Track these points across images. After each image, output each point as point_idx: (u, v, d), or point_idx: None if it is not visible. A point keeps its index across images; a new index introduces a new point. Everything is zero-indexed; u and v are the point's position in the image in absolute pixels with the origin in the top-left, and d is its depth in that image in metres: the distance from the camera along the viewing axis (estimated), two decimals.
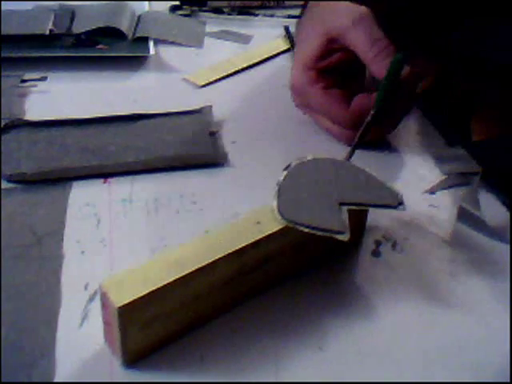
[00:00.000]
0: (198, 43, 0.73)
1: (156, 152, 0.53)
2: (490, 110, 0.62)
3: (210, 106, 0.59)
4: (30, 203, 0.48)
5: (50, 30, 0.68)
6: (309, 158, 0.44)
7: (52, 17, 0.70)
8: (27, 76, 0.63)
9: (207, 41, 0.74)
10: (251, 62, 0.69)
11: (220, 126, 0.58)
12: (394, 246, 0.46)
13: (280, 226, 0.39)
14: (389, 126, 0.56)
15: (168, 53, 0.70)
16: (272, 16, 0.80)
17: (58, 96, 0.61)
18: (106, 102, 0.60)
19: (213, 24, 0.78)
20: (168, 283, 0.35)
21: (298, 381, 0.37)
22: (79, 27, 0.70)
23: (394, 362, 0.38)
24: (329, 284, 0.43)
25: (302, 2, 0.83)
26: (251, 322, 0.40)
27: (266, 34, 0.76)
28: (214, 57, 0.70)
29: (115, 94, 0.62)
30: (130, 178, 0.51)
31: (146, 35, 0.70)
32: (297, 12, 0.80)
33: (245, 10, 0.81)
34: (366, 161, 0.45)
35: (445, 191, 0.52)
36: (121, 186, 0.50)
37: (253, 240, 0.38)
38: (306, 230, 0.39)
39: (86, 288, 0.41)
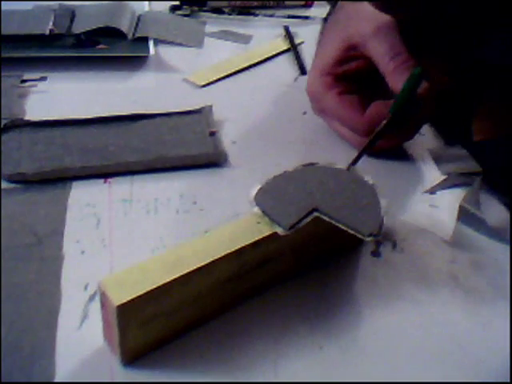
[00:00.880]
0: (198, 43, 0.73)
1: (156, 152, 0.53)
2: (491, 110, 0.62)
3: (210, 106, 0.59)
4: (29, 203, 0.48)
5: (50, 30, 0.68)
6: (309, 163, 0.44)
7: (52, 17, 0.70)
8: (27, 76, 0.63)
9: (207, 41, 0.74)
10: (251, 62, 0.69)
11: (220, 126, 0.58)
12: (394, 246, 0.46)
13: None
14: (405, 135, 0.55)
15: (168, 53, 0.70)
16: (272, 16, 0.80)
17: (58, 96, 0.61)
18: (106, 102, 0.60)
19: (213, 24, 0.78)
20: (167, 282, 0.35)
21: (297, 381, 0.37)
22: (79, 27, 0.70)
23: (393, 361, 0.38)
24: (329, 284, 0.43)
25: (302, 2, 0.83)
26: (251, 321, 0.40)
27: (266, 34, 0.76)
28: (214, 57, 0.70)
29: (115, 94, 0.62)
30: (129, 177, 0.51)
31: (145, 35, 0.70)
32: (297, 12, 0.81)
33: (245, 10, 0.81)
34: (366, 161, 0.45)
35: (445, 191, 0.52)
36: (121, 186, 0.50)
37: (253, 240, 0.38)
38: (267, 218, 0.39)
39: (85, 288, 0.41)
